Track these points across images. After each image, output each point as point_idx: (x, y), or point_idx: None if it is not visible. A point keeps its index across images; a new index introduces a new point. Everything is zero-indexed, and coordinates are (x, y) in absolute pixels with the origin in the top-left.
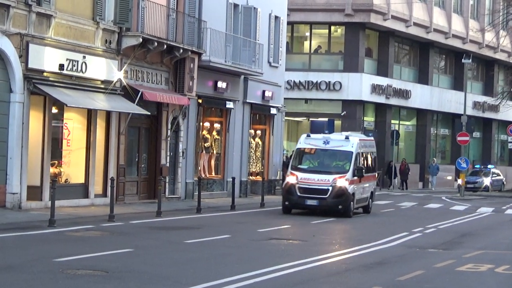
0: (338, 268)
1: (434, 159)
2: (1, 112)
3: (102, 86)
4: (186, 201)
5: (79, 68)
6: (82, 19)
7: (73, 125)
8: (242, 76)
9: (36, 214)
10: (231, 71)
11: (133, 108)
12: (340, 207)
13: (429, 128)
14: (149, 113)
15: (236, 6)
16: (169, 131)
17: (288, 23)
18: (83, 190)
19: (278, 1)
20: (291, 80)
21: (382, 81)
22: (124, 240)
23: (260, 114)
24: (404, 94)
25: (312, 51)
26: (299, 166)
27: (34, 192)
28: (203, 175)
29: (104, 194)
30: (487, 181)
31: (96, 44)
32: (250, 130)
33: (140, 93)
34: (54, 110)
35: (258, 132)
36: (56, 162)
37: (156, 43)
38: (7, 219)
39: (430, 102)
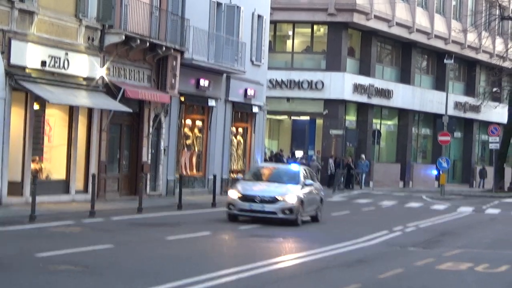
0: (319, 265)
1: (363, 156)
2: None
3: (84, 83)
4: (167, 198)
5: (61, 65)
6: (65, 16)
7: (55, 122)
8: (225, 75)
9: (16, 210)
10: (214, 70)
11: (115, 105)
12: None
13: (410, 127)
14: (131, 110)
15: (219, 4)
16: (151, 129)
17: (271, 22)
18: (64, 186)
19: (261, 0)
20: (273, 79)
21: (364, 80)
22: (104, 236)
23: (242, 112)
24: (386, 93)
25: (294, 50)
26: None
27: (14, 188)
28: (184, 173)
29: (85, 190)
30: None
31: (78, 41)
32: (231, 128)
33: (122, 90)
34: (36, 106)
35: (240, 130)
36: (37, 158)
37: (138, 41)
38: None
39: (412, 102)
